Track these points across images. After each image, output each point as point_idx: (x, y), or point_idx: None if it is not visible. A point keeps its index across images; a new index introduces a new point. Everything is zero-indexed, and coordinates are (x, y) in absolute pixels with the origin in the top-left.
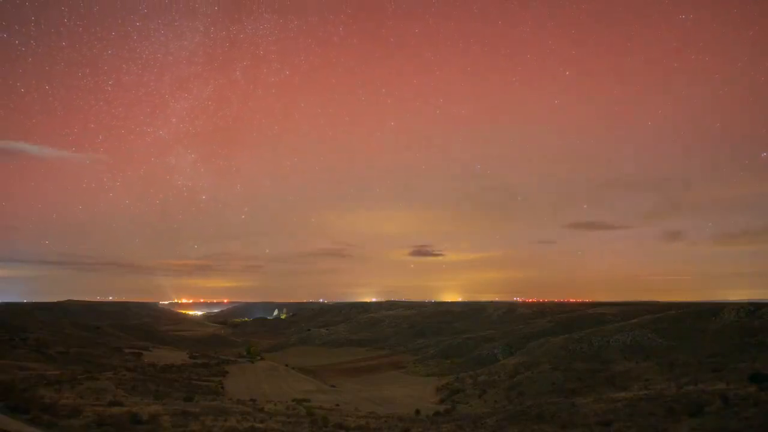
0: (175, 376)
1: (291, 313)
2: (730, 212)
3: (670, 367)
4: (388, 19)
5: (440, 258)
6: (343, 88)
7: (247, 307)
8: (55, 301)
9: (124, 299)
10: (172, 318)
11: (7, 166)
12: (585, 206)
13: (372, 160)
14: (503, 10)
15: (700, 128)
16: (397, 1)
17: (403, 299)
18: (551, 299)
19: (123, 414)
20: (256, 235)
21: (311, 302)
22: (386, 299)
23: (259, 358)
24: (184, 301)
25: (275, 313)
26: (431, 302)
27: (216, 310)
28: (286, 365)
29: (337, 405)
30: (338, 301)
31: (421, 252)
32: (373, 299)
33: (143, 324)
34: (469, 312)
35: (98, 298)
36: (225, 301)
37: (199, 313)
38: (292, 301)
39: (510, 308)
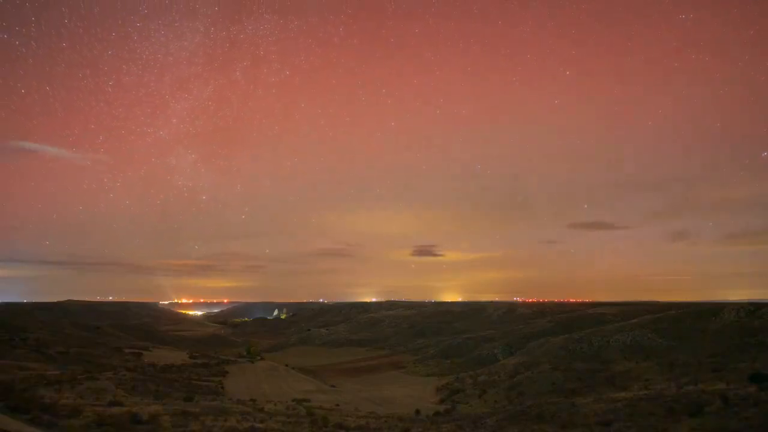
0: (175, 376)
1: (291, 313)
2: (730, 212)
3: (670, 367)
4: (389, 20)
5: (440, 258)
6: (344, 89)
7: (247, 307)
8: (55, 301)
9: (124, 299)
10: (172, 318)
11: (8, 167)
12: (585, 206)
13: (372, 161)
14: (503, 10)
15: (700, 128)
16: (397, 2)
17: (403, 299)
18: (551, 299)
19: (123, 414)
20: (257, 235)
21: (311, 302)
22: (386, 299)
23: (259, 358)
24: (184, 301)
25: (275, 313)
26: (431, 302)
27: (216, 310)
28: (286, 365)
29: (337, 405)
30: (338, 301)
31: (421, 252)
32: (373, 299)
33: (143, 324)
34: (469, 312)
35: (98, 298)
36: (225, 301)
37: (199, 313)
38: (292, 301)
39: (510, 308)
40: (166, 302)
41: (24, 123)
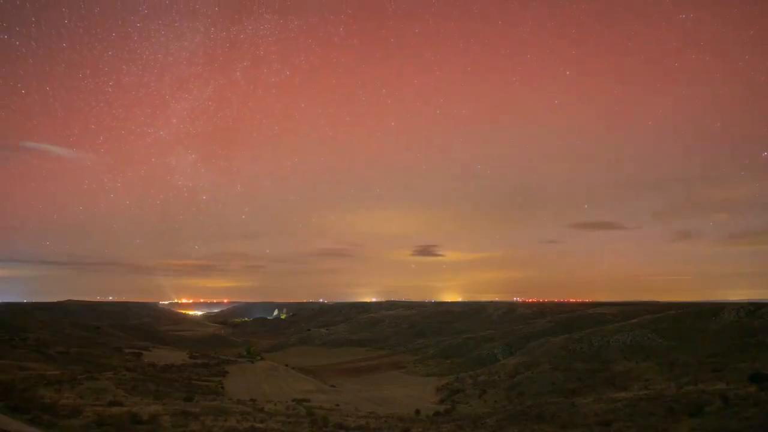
0: (175, 376)
1: (291, 313)
2: (730, 212)
3: (670, 367)
4: (389, 20)
5: (440, 258)
6: (344, 89)
7: (247, 307)
8: (55, 301)
9: (124, 299)
10: (172, 318)
11: (8, 167)
12: (585, 206)
13: (372, 161)
14: (503, 10)
15: (700, 128)
16: (397, 2)
17: (403, 299)
18: (551, 299)
19: (123, 414)
20: (257, 235)
21: (311, 302)
22: (386, 299)
23: (259, 358)
24: (184, 301)
25: (275, 313)
26: (431, 302)
27: (216, 310)
28: (286, 365)
29: (337, 405)
30: (338, 301)
31: (421, 252)
32: (373, 299)
33: (143, 324)
34: (469, 312)
35: (98, 298)
36: (225, 301)
37: (199, 313)
38: (292, 301)
39: (510, 308)
40: (166, 302)
41: (24, 123)
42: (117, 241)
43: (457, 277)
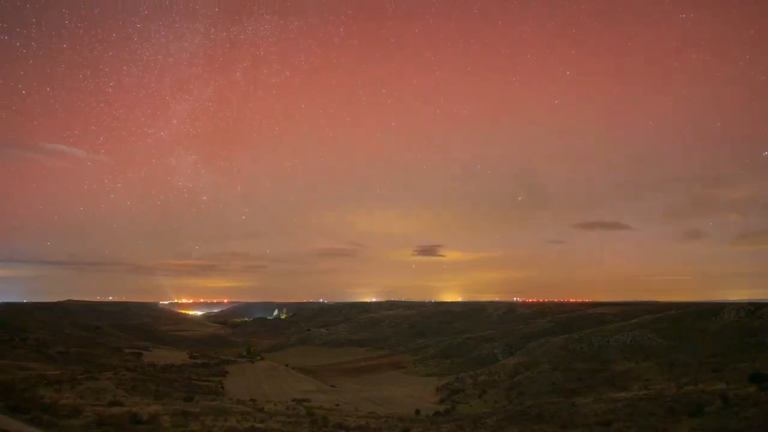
0: (175, 376)
1: (291, 313)
2: (730, 212)
3: (670, 367)
4: (388, 20)
5: (440, 258)
6: (344, 89)
7: (247, 307)
8: (55, 301)
9: (124, 299)
10: (172, 318)
11: (9, 167)
12: (585, 206)
13: (372, 161)
14: (503, 10)
15: (700, 128)
16: (397, 2)
17: (403, 299)
18: (551, 299)
19: (123, 414)
20: (257, 235)
21: (311, 302)
22: (386, 299)
23: (259, 358)
24: (184, 301)
25: (275, 313)
26: (431, 302)
27: (216, 310)
28: (286, 365)
29: (337, 405)
30: (338, 301)
31: (421, 252)
32: (373, 299)
33: (143, 324)
34: (469, 312)
35: (98, 298)
36: (225, 301)
37: (199, 313)
38: (292, 301)
39: (510, 308)
40: (166, 302)
41: (25, 124)
42: (117, 241)
43: (457, 277)
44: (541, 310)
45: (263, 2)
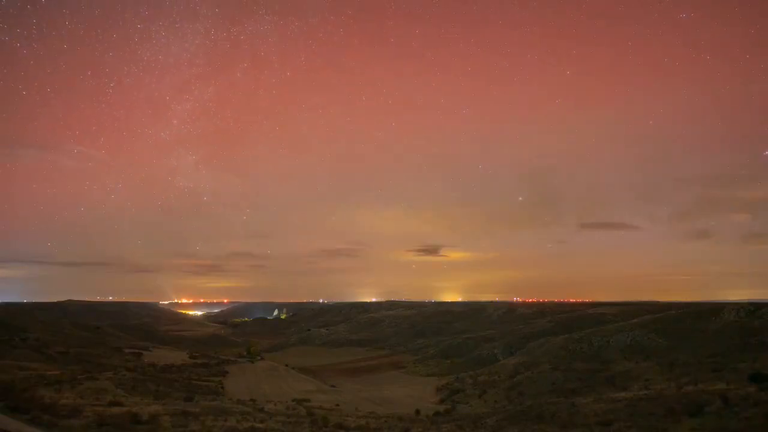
0: (175, 376)
1: (291, 313)
2: (730, 212)
3: (670, 367)
4: (389, 20)
5: (441, 258)
6: (344, 89)
7: (247, 307)
8: (55, 301)
9: (124, 299)
10: (172, 318)
11: (9, 168)
12: (585, 207)
13: (373, 161)
14: (503, 11)
15: (700, 128)
16: (398, 3)
17: (404, 299)
18: (551, 299)
19: (123, 414)
20: (257, 235)
21: (311, 302)
22: (386, 299)
23: (259, 358)
24: (184, 301)
25: (275, 313)
26: (431, 302)
27: (216, 310)
28: (286, 365)
29: (337, 405)
30: (338, 301)
31: (421, 252)
32: (374, 299)
33: (143, 324)
34: (469, 312)
35: (98, 298)
36: (225, 301)
37: (199, 313)
38: (292, 301)
39: (510, 308)
40: (166, 302)
41: (25, 124)
42: (118, 241)
43: (458, 277)
44: (541, 310)
45: (263, 2)
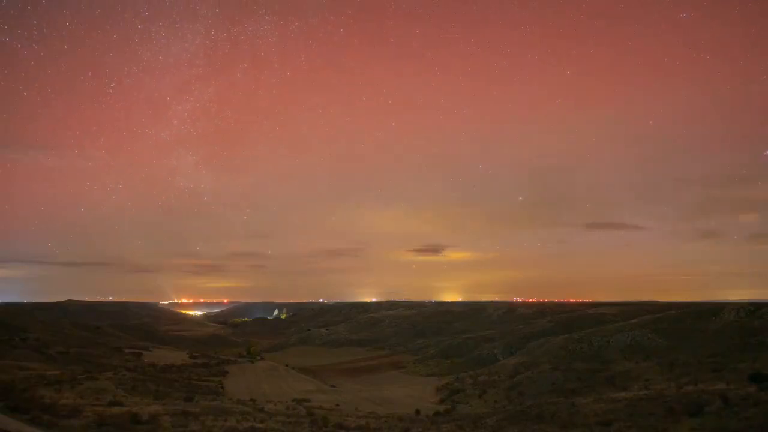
0: (175, 376)
1: (291, 313)
2: (730, 212)
3: (670, 367)
4: (389, 20)
5: (441, 258)
6: (344, 89)
7: (247, 307)
8: (55, 301)
9: (124, 299)
10: (172, 318)
11: (10, 168)
12: (585, 207)
13: (373, 161)
14: (503, 11)
15: (700, 128)
16: (398, 3)
17: (404, 299)
18: (551, 299)
19: (123, 414)
20: (257, 235)
21: (311, 302)
22: (386, 299)
23: (259, 358)
24: (184, 301)
25: (275, 313)
26: (431, 302)
27: (216, 310)
28: (286, 365)
29: (337, 405)
30: (338, 301)
31: (421, 252)
32: (374, 299)
33: (143, 324)
34: (469, 312)
35: (98, 298)
36: (225, 301)
37: (199, 313)
38: (292, 301)
39: (510, 308)
40: (166, 302)
41: (25, 125)
42: (118, 241)
43: (458, 277)
44: (541, 310)
45: (263, 2)
